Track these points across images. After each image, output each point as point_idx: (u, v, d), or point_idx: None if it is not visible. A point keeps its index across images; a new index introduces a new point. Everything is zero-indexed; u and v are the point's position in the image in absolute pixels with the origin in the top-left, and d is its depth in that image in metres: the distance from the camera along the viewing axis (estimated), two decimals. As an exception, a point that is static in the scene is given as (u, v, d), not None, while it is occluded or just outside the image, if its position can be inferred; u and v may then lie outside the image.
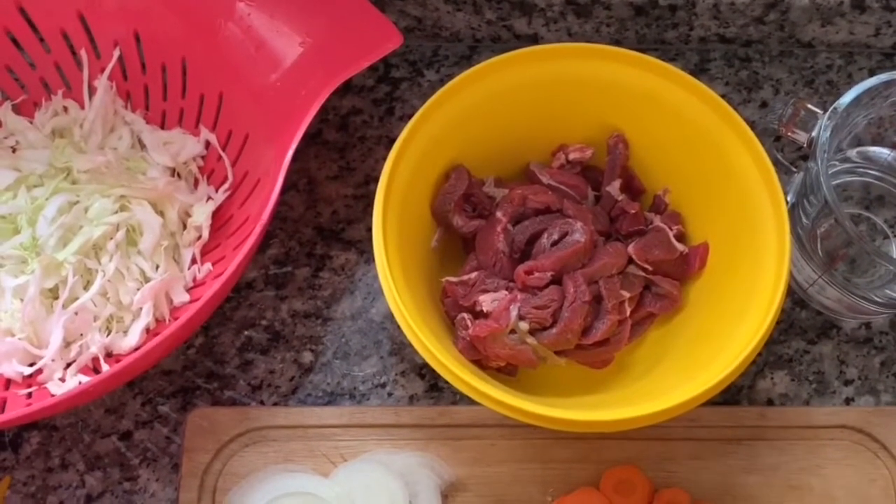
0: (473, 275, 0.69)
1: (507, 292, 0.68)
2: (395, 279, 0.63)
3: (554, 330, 0.67)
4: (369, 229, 0.77)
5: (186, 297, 0.68)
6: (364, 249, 0.77)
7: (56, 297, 0.65)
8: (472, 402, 0.72)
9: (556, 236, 0.69)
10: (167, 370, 0.72)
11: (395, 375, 0.73)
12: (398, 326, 0.74)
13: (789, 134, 0.70)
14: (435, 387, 0.73)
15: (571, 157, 0.73)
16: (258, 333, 0.74)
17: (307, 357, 0.73)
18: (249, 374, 0.72)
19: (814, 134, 0.68)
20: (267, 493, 0.65)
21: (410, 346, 0.73)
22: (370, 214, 0.77)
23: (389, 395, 0.73)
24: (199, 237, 0.70)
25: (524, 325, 0.67)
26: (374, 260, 0.76)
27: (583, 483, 0.68)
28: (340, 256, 0.77)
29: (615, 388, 0.71)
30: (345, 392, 0.73)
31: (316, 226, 0.77)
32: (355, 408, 0.71)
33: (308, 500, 0.65)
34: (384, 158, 0.79)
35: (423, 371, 0.73)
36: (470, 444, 0.69)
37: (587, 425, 0.60)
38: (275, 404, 0.72)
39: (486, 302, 0.67)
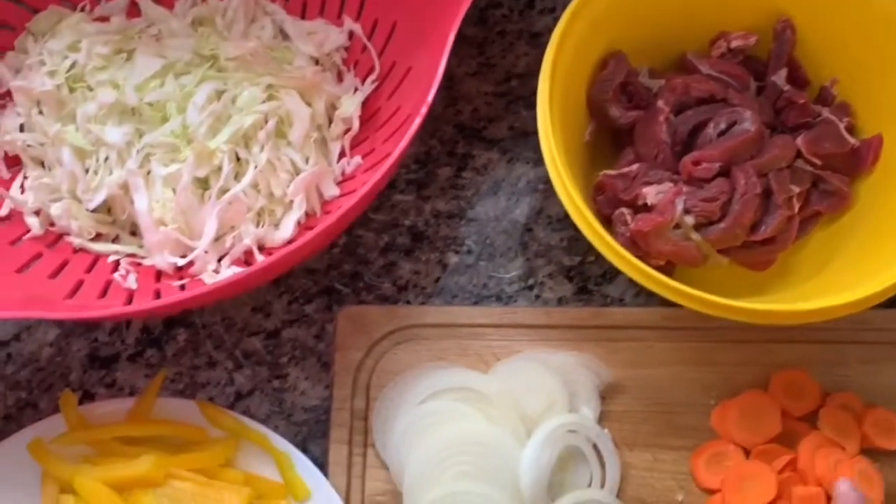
0: (634, 167, 0.65)
1: (671, 184, 0.64)
2: (561, 167, 0.59)
3: (722, 224, 0.63)
4: (511, 127, 0.75)
5: (337, 191, 0.66)
6: (507, 149, 0.74)
7: (206, 188, 0.63)
8: (624, 304, 0.70)
9: (723, 126, 0.65)
10: (311, 269, 0.70)
11: (542, 278, 0.70)
12: (544, 228, 0.72)
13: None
14: (584, 290, 0.70)
15: (734, 44, 0.69)
16: (401, 234, 0.71)
17: (451, 258, 0.71)
18: (394, 274, 0.70)
19: None
20: (426, 388, 0.63)
21: (559, 248, 0.71)
22: (512, 112, 0.75)
23: (537, 297, 0.70)
24: (348, 129, 0.67)
25: (690, 220, 0.63)
26: (517, 159, 0.74)
27: (747, 387, 0.65)
28: (482, 156, 0.74)
29: (778, 290, 0.67)
30: (491, 294, 0.70)
31: (457, 124, 0.74)
32: (506, 308, 0.68)
33: (468, 396, 0.63)
34: (525, 54, 0.76)
35: (572, 274, 0.71)
36: (626, 345, 0.67)
37: (772, 316, 0.57)
38: (421, 304, 0.69)
39: (651, 194, 0.64)
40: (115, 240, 0.66)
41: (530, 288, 0.70)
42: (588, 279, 0.70)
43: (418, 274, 0.70)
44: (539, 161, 0.74)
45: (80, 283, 0.62)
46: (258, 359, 0.68)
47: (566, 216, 0.72)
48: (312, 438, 0.66)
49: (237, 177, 0.64)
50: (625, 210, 0.65)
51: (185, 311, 0.69)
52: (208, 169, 0.63)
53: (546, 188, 0.73)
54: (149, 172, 0.63)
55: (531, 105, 0.74)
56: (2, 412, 0.67)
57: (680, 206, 0.63)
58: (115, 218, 0.66)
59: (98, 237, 0.66)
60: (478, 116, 0.75)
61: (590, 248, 0.71)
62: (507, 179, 0.73)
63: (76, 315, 0.57)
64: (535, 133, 0.74)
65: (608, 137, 0.70)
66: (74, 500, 0.57)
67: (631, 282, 0.70)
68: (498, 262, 0.71)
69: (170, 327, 0.69)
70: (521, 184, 0.73)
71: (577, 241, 0.71)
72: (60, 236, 0.65)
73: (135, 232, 0.66)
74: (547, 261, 0.71)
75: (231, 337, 0.68)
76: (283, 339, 0.69)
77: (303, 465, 0.61)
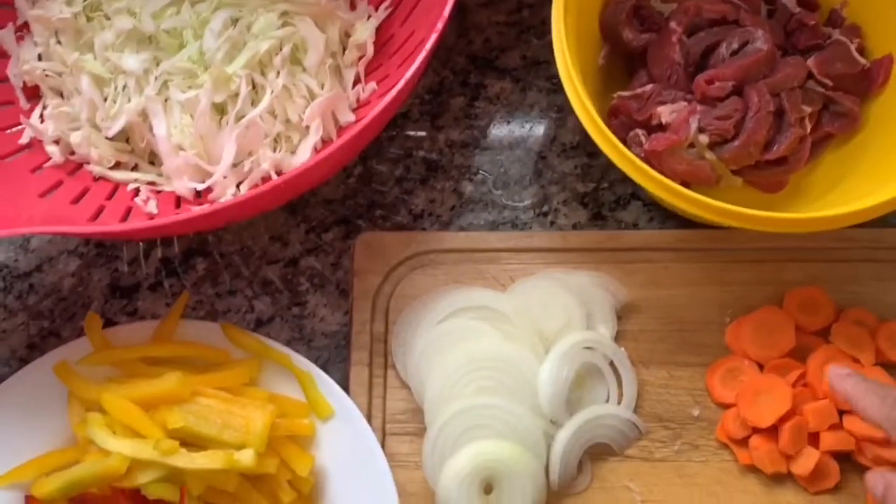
0: (648, 87, 0.66)
1: (685, 104, 0.65)
2: (578, 85, 0.60)
3: (736, 142, 0.64)
4: (524, 57, 0.75)
5: (352, 117, 0.67)
6: (519, 77, 0.74)
7: (224, 114, 0.64)
8: (639, 229, 0.70)
9: (735, 45, 0.65)
10: (328, 199, 0.71)
11: (557, 204, 0.71)
12: (558, 155, 0.73)
13: None
14: (598, 216, 0.71)
15: (745, -32, 0.69)
16: (416, 164, 0.72)
17: (466, 187, 0.72)
18: (410, 202, 0.71)
19: None
20: (444, 308, 0.64)
21: (573, 175, 0.72)
22: (524, 41, 0.76)
23: (552, 223, 0.71)
24: (363, 56, 0.68)
25: (704, 139, 0.64)
26: (530, 88, 0.74)
27: (762, 305, 0.66)
28: (495, 85, 0.74)
29: (790, 211, 0.68)
30: (506, 221, 0.71)
31: (469, 54, 0.75)
32: (522, 232, 0.69)
33: (486, 314, 0.64)
34: (536, -16, 0.77)
35: (586, 200, 0.71)
36: (642, 267, 0.67)
37: (785, 224, 0.58)
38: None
39: (665, 113, 0.64)
40: (134, 168, 0.67)
41: (545, 215, 0.71)
42: (602, 205, 0.71)
43: (433, 203, 0.71)
44: (551, 90, 0.75)
45: (101, 209, 0.63)
46: (277, 286, 0.69)
47: (580, 143, 0.73)
48: (332, 363, 0.67)
49: (254, 103, 0.64)
50: (639, 131, 0.66)
51: (204, 241, 0.70)
52: (225, 94, 0.63)
53: (559, 116, 0.74)
54: (167, 100, 0.64)
55: (542, 34, 0.75)
56: (25, 341, 0.68)
57: (694, 125, 0.63)
58: (134, 147, 0.66)
59: (117, 166, 0.66)
60: (490, 46, 0.75)
61: (604, 174, 0.73)
62: (520, 108, 0.74)
63: (96, 230, 0.57)
64: (547, 62, 0.75)
65: (621, 64, 0.71)
66: (101, 417, 0.58)
67: (645, 206, 0.72)
68: (512, 190, 0.72)
69: (189, 257, 0.70)
70: (534, 112, 0.74)
71: (590, 167, 0.72)
72: (80, 165, 0.66)
73: (153, 161, 0.67)
74: (561, 188, 0.72)
75: (250, 265, 0.69)
76: (301, 267, 0.69)
77: (325, 385, 0.62)
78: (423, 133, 0.73)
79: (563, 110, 0.73)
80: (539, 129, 0.73)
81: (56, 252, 0.70)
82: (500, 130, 0.73)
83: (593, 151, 0.72)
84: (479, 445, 0.60)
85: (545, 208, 0.71)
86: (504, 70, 0.74)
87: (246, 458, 0.57)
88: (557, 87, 0.74)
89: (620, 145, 0.58)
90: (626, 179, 0.71)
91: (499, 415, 0.60)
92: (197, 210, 0.55)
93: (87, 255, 0.69)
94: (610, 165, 0.71)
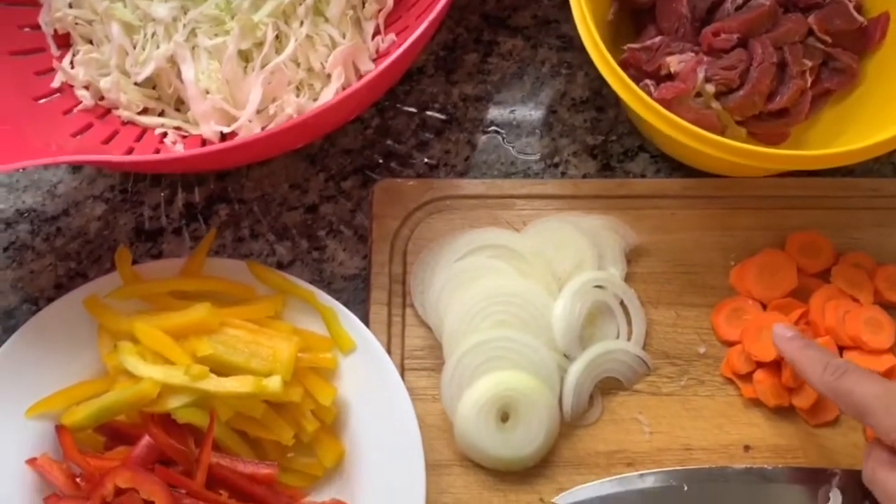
0: (657, 39, 0.69)
1: (693, 54, 0.67)
2: (593, 31, 0.62)
3: (741, 92, 0.67)
4: (535, 16, 0.78)
5: (372, 66, 0.69)
6: (531, 35, 0.77)
7: (249, 61, 0.66)
8: (645, 177, 0.73)
9: (740, 1, 0.68)
10: (346, 149, 0.73)
11: (567, 156, 0.74)
12: (568, 109, 0.75)
13: None
14: (607, 166, 0.73)
15: (748, -72, 0.72)
16: (431, 116, 0.75)
17: (480, 138, 0.74)
18: (425, 153, 0.73)
19: None
20: (462, 247, 0.66)
21: (582, 128, 0.75)
22: (535, 1, 0.78)
23: (563, 174, 0.73)
24: (382, 8, 0.70)
25: (710, 88, 0.67)
26: (540, 46, 0.77)
27: (764, 249, 0.68)
28: (507, 42, 0.77)
29: (791, 163, 0.71)
30: (519, 171, 0.73)
31: (482, 13, 0.77)
32: (536, 180, 0.72)
33: (502, 253, 0.66)
34: (548, -56, 0.79)
35: (595, 152, 0.74)
36: (650, 213, 0.70)
37: (786, 160, 0.61)
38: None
39: (673, 63, 0.67)
40: (161, 114, 0.69)
41: (556, 166, 0.74)
42: (611, 157, 0.74)
43: (448, 154, 0.74)
44: (561, 47, 0.77)
45: (130, 150, 0.65)
46: (298, 232, 0.71)
47: (589, 98, 0.76)
48: (352, 304, 0.68)
49: (278, 51, 0.67)
50: (648, 82, 0.68)
51: (224, 189, 0.72)
52: (251, 41, 0.66)
53: (569, 73, 0.76)
54: (194, 47, 0.66)
55: (553, -6, 0.79)
56: (53, 282, 0.70)
57: (701, 74, 0.66)
58: (161, 93, 0.69)
59: (144, 112, 0.68)
60: (502, 6, 0.78)
61: (612, 127, 0.75)
62: (532, 65, 0.76)
63: (128, 159, 0.59)
64: (557, 21, 0.78)
65: (629, 22, 0.74)
66: (132, 345, 0.60)
67: (652, 158, 0.74)
68: (524, 142, 0.74)
69: (211, 204, 0.72)
70: (544, 68, 0.76)
71: (599, 121, 0.75)
72: (109, 110, 0.68)
73: (179, 109, 0.69)
74: (571, 140, 0.74)
75: (271, 212, 0.71)
76: (320, 213, 0.72)
77: (347, 319, 0.64)
78: (437, 88, 0.75)
79: (572, 67, 0.76)
80: (549, 85, 0.76)
81: (82, 197, 0.72)
82: (512, 85, 0.76)
83: (602, 105, 0.75)
84: (497, 376, 0.62)
85: (556, 159, 0.74)
86: (516, 28, 0.77)
87: (273, 383, 0.59)
88: (567, 45, 0.77)
89: (635, 87, 0.61)
90: (634, 132, 0.75)
91: (515, 347, 0.63)
92: (225, 143, 0.57)
93: (113, 200, 0.72)
94: (618, 119, 0.75)
